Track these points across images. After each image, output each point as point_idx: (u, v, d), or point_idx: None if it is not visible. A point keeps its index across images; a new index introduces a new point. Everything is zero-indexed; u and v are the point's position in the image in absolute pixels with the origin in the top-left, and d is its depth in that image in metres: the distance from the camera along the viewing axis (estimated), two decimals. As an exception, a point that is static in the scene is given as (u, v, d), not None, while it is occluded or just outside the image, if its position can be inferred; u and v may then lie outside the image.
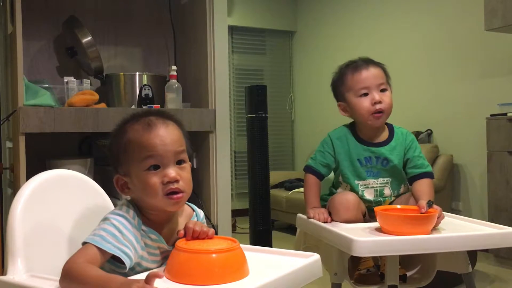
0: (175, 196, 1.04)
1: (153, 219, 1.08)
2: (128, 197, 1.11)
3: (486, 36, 3.65)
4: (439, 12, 4.19)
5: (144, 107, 2.33)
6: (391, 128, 1.69)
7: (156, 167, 1.04)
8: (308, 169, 1.67)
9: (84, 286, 0.90)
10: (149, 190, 1.03)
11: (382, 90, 1.62)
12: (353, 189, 1.65)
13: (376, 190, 1.64)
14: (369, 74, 1.62)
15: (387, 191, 1.64)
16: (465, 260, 1.54)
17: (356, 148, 1.65)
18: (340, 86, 1.68)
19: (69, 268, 0.94)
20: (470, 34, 3.89)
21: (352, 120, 1.72)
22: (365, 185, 1.63)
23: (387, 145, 1.65)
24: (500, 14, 3.22)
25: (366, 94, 1.62)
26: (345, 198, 1.56)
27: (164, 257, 1.08)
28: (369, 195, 1.64)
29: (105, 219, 1.04)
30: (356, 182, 1.64)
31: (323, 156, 1.66)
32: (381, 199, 1.64)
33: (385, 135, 1.67)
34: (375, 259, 1.62)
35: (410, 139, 1.67)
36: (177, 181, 1.04)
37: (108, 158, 1.13)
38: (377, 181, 1.63)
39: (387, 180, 1.64)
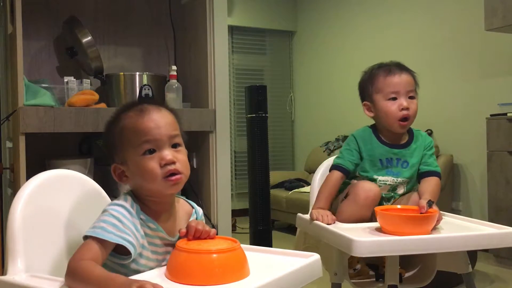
0: (173, 177, 1.04)
1: (152, 208, 1.08)
2: (127, 186, 1.11)
3: (486, 36, 3.65)
4: (439, 12, 4.20)
5: (144, 107, 2.33)
6: (410, 131, 1.72)
7: (152, 151, 1.04)
8: (336, 166, 1.66)
9: (87, 285, 0.91)
10: (147, 174, 1.04)
11: (411, 97, 1.65)
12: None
13: (391, 186, 1.65)
14: (401, 80, 1.64)
15: (401, 189, 1.66)
16: (465, 260, 1.54)
17: (379, 148, 1.67)
18: (369, 86, 1.70)
19: (74, 266, 0.94)
20: (470, 34, 3.89)
21: (373, 122, 1.74)
22: (383, 181, 1.64)
23: (408, 147, 1.68)
24: (500, 14, 3.22)
25: (394, 99, 1.64)
26: (368, 185, 1.57)
27: (166, 252, 1.08)
28: (382, 190, 1.64)
29: (103, 211, 1.04)
30: (375, 176, 1.65)
31: (351, 153, 1.67)
32: (393, 194, 1.65)
33: (405, 137, 1.70)
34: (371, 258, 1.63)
35: (429, 141, 1.71)
36: (174, 162, 1.04)
37: (103, 149, 1.13)
38: (396, 179, 1.65)
39: (404, 180, 1.66)
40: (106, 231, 0.98)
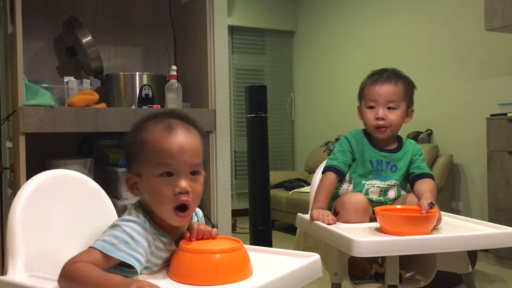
0: (181, 214, 1.01)
1: (161, 223, 1.06)
2: (136, 198, 1.09)
3: (486, 36, 3.65)
4: (439, 12, 4.19)
5: (144, 107, 2.33)
6: (399, 139, 1.74)
7: (169, 174, 1.01)
8: (330, 168, 1.67)
9: (83, 286, 0.89)
10: (158, 198, 1.01)
11: (390, 108, 1.65)
12: (357, 188, 1.66)
13: (381, 190, 1.65)
14: (381, 90, 1.65)
15: (392, 193, 1.66)
16: (465, 260, 1.54)
17: (370, 150, 1.68)
18: (361, 90, 1.73)
19: (69, 268, 0.92)
20: (470, 34, 3.89)
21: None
22: (371, 184, 1.65)
23: (397, 153, 1.69)
24: (500, 14, 3.22)
25: (373, 107, 1.66)
26: (355, 199, 1.57)
27: (166, 260, 1.07)
28: (373, 194, 1.65)
29: (115, 225, 1.00)
30: (363, 181, 1.66)
31: (344, 155, 1.68)
32: (384, 199, 1.65)
33: (394, 144, 1.72)
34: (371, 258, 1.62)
35: (417, 148, 1.73)
36: (187, 192, 1.01)
37: (124, 153, 1.10)
38: (385, 183, 1.65)
39: (394, 183, 1.66)
40: (117, 249, 0.95)
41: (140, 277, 1.01)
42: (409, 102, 1.69)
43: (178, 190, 1.00)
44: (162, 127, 1.02)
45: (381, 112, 1.64)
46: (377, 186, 1.65)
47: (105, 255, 0.95)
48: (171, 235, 1.07)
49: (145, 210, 1.05)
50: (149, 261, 1.03)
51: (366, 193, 1.65)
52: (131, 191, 1.06)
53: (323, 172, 1.68)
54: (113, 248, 0.95)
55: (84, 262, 0.93)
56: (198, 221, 1.14)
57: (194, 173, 1.03)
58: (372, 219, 1.57)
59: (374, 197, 1.65)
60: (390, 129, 1.65)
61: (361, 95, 1.72)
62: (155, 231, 1.03)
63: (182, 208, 1.01)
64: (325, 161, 1.84)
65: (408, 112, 1.70)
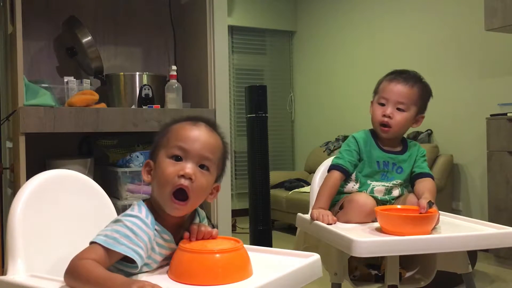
0: (178, 201, 1.02)
1: (166, 218, 1.06)
2: (142, 196, 1.09)
3: (486, 36, 3.65)
4: (439, 12, 4.20)
5: (144, 107, 2.33)
6: (404, 141, 1.75)
7: (178, 159, 1.04)
8: (335, 166, 1.67)
9: (86, 284, 0.90)
10: (161, 178, 1.03)
11: (399, 109, 1.65)
12: (363, 187, 1.67)
13: (386, 189, 1.66)
14: (394, 89, 1.65)
15: (396, 192, 1.67)
16: (465, 260, 1.54)
17: (377, 151, 1.69)
18: (377, 86, 1.74)
19: (74, 264, 0.94)
20: (470, 34, 3.89)
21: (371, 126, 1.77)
22: (377, 184, 1.66)
23: (403, 155, 1.70)
24: (500, 14, 3.22)
25: (383, 104, 1.67)
26: (363, 201, 1.57)
27: (166, 258, 1.08)
28: (378, 193, 1.66)
29: (117, 220, 1.02)
30: (369, 182, 1.66)
31: (351, 154, 1.68)
32: (389, 198, 1.66)
33: (399, 146, 1.73)
34: (371, 258, 1.63)
35: (421, 150, 1.74)
36: (190, 178, 1.02)
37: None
38: (390, 183, 1.67)
39: (399, 182, 1.67)
40: (118, 243, 0.96)
41: (140, 276, 1.01)
42: (421, 108, 1.69)
43: (181, 173, 1.02)
44: (189, 122, 1.09)
45: (389, 110, 1.65)
46: (382, 185, 1.66)
47: (107, 249, 0.96)
48: (174, 233, 1.07)
49: (150, 206, 1.06)
50: (149, 257, 1.03)
51: (372, 192, 1.65)
52: (144, 175, 1.09)
53: (329, 171, 1.69)
54: (115, 242, 0.96)
55: (89, 259, 0.94)
56: (200, 221, 1.14)
57: (202, 166, 1.05)
58: (375, 220, 1.57)
59: (379, 195, 1.66)
60: (393, 130, 1.66)
61: (376, 90, 1.73)
62: (157, 228, 1.04)
63: (180, 194, 1.02)
64: (325, 160, 1.85)
65: (418, 118, 1.70)
